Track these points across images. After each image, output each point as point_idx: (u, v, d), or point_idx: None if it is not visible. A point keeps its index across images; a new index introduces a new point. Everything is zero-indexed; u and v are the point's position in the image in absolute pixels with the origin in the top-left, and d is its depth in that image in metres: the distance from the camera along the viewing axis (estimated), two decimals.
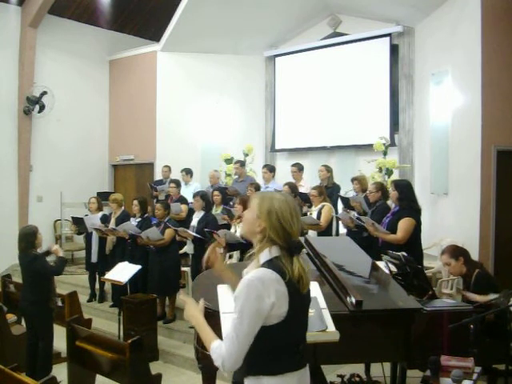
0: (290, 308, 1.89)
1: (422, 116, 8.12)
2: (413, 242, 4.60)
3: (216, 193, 6.90)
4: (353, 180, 6.47)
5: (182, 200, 7.39)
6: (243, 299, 1.85)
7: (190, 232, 5.97)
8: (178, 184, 7.63)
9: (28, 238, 4.72)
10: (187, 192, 7.77)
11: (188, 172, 8.27)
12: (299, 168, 7.37)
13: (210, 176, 8.20)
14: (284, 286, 1.88)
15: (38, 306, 4.65)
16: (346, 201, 6.21)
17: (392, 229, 4.69)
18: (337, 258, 3.60)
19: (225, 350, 1.86)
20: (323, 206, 5.97)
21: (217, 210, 6.86)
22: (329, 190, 6.74)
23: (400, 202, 4.73)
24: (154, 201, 7.89)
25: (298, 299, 1.93)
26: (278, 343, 1.92)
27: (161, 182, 8.41)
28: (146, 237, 5.94)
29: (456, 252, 3.91)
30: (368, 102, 8.78)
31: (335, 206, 6.56)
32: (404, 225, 4.57)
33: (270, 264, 1.91)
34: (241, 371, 1.94)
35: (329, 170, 7.04)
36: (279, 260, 1.92)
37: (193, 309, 2.07)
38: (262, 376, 1.93)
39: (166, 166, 8.56)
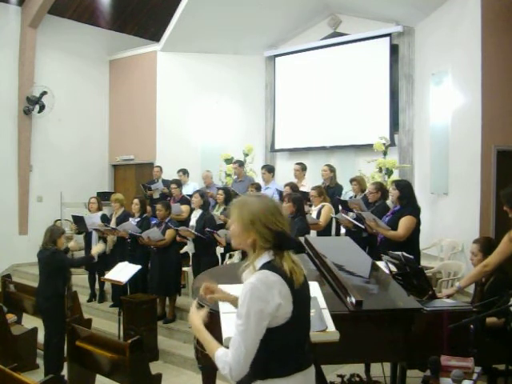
0: (294, 307, 1.89)
1: (422, 116, 8.12)
2: (411, 241, 4.66)
3: (220, 192, 6.88)
4: (351, 181, 6.47)
5: (185, 200, 7.37)
6: (248, 303, 1.82)
7: (192, 231, 5.96)
8: (178, 184, 7.63)
9: (52, 233, 4.86)
10: (184, 192, 7.77)
11: (184, 172, 8.28)
12: (302, 168, 7.37)
13: (203, 177, 8.24)
14: (286, 285, 1.87)
15: (53, 301, 4.74)
16: (344, 203, 6.20)
17: (392, 227, 4.74)
18: (337, 258, 3.59)
19: (231, 357, 1.82)
20: (323, 205, 6.00)
21: (218, 210, 6.86)
22: (331, 190, 6.73)
23: (400, 200, 4.83)
24: (149, 200, 7.88)
25: (300, 298, 1.93)
26: (284, 344, 1.90)
27: (153, 183, 8.42)
28: (146, 237, 5.94)
29: (488, 249, 3.82)
30: (368, 101, 8.78)
31: (337, 206, 6.55)
32: (406, 222, 4.65)
33: (268, 266, 1.89)
34: (247, 376, 1.89)
35: (332, 169, 7.03)
36: (274, 261, 1.90)
37: (195, 318, 2.02)
38: (270, 379, 1.90)
39: (158, 167, 8.64)
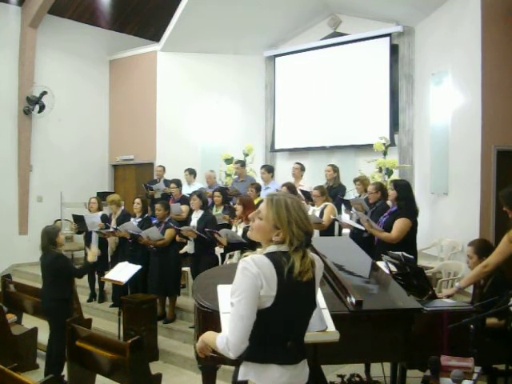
0: (277, 296, 1.93)
1: (422, 116, 8.12)
2: (408, 243, 4.63)
3: (217, 193, 6.89)
4: (355, 181, 6.48)
5: (184, 200, 7.35)
6: (240, 277, 1.94)
7: (195, 230, 5.95)
8: (178, 184, 7.62)
9: (49, 235, 4.77)
10: (190, 192, 7.73)
11: (191, 172, 8.26)
12: (302, 168, 7.41)
13: (206, 177, 8.21)
14: (275, 274, 1.93)
15: (58, 303, 4.72)
16: (347, 203, 6.22)
17: (388, 228, 4.74)
18: (337, 258, 3.59)
19: (228, 330, 1.93)
20: (326, 205, 5.99)
21: (217, 211, 6.86)
22: (334, 191, 6.73)
23: (398, 201, 4.79)
24: (150, 200, 7.87)
25: (289, 292, 1.96)
26: (263, 330, 1.95)
27: (155, 182, 8.40)
28: (146, 236, 5.94)
29: (483, 251, 3.84)
30: (368, 101, 8.78)
31: (339, 206, 6.55)
32: (399, 225, 4.63)
33: (270, 255, 1.98)
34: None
35: (335, 169, 7.03)
36: (285, 254, 1.98)
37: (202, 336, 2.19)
38: (248, 362, 1.97)
39: (160, 166, 8.62)
